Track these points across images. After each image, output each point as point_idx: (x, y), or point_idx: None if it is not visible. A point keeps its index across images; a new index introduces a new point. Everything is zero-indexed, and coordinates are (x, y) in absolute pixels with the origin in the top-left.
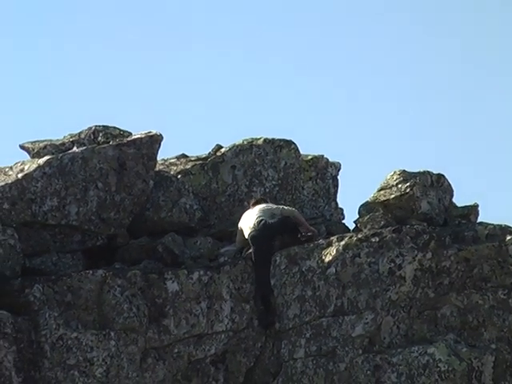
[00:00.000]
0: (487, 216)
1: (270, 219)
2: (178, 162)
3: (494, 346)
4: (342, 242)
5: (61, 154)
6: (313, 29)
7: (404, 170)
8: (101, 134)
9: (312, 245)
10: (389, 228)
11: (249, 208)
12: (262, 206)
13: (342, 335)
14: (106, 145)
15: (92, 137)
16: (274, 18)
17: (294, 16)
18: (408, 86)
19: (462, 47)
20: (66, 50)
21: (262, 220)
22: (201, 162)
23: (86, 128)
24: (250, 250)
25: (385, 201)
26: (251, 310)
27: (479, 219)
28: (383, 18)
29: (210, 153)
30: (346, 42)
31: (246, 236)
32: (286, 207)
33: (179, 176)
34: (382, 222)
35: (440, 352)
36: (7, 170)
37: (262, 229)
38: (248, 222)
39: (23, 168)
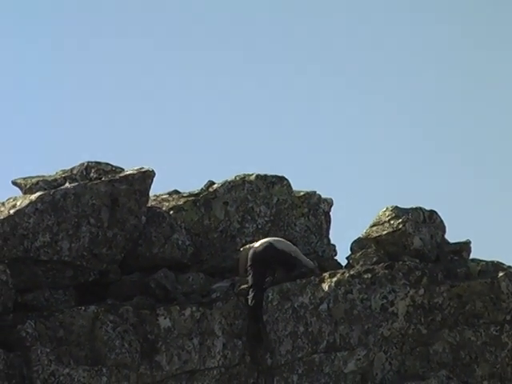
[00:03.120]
0: (479, 253)
1: (276, 244)
2: (171, 198)
3: (486, 383)
4: (335, 279)
5: (53, 190)
6: (303, 66)
7: (396, 207)
8: (93, 170)
9: (304, 281)
10: (381, 264)
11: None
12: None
13: (335, 371)
14: (98, 181)
15: (84, 173)
16: (262, 54)
17: (283, 52)
18: (400, 123)
19: (446, 79)
20: (58, 86)
21: (267, 242)
22: (193, 197)
23: (78, 164)
24: (243, 286)
25: (377, 237)
26: (243, 346)
27: (471, 256)
28: (372, 54)
29: (202, 189)
30: (337, 79)
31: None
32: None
33: (171, 212)
34: (375, 259)
35: None
36: None
37: (267, 246)
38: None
39: (15, 204)
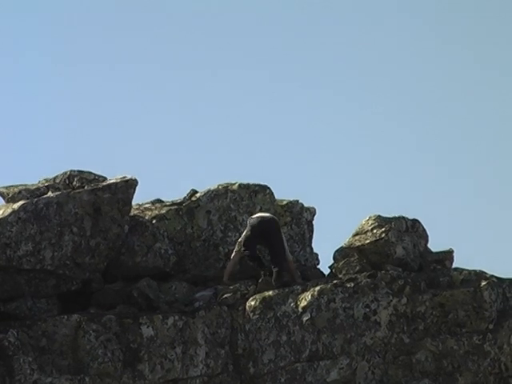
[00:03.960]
0: (462, 262)
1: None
2: (153, 207)
3: None
4: (317, 288)
5: (36, 199)
6: (288, 75)
7: (379, 216)
8: (76, 179)
9: (287, 290)
10: (364, 273)
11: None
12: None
13: (317, 380)
14: (81, 189)
15: (67, 181)
16: (249, 63)
17: (268, 63)
18: (383, 131)
19: (435, 92)
20: (42, 94)
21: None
22: (176, 206)
23: (60, 173)
24: (226, 295)
25: (360, 246)
26: (226, 354)
27: (454, 265)
28: (353, 64)
29: (185, 198)
30: (321, 88)
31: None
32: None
33: (154, 221)
34: (357, 268)
35: None
36: None
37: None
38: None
39: None
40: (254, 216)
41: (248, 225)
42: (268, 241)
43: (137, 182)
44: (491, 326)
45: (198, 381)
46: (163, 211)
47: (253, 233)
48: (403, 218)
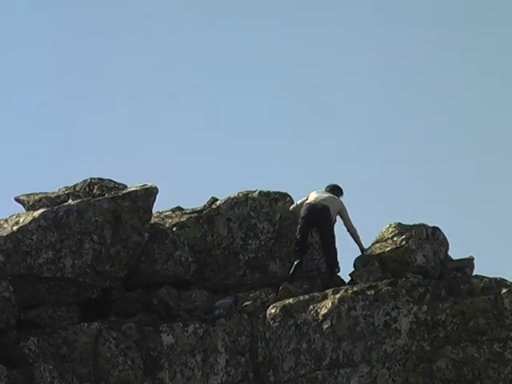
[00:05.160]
0: (483, 269)
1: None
2: (174, 215)
3: None
4: (338, 295)
5: (56, 207)
6: (305, 80)
7: (399, 223)
8: (96, 187)
9: (308, 297)
10: (384, 281)
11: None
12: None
13: None
14: (101, 197)
15: (87, 189)
16: (264, 70)
17: (286, 69)
18: (403, 138)
19: (449, 94)
20: (61, 102)
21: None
22: (196, 214)
23: (81, 181)
24: (246, 303)
25: (380, 254)
26: (246, 362)
27: (475, 272)
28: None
29: (205, 205)
30: (339, 95)
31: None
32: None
33: (174, 229)
34: (378, 275)
35: None
36: (2, 222)
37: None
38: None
39: (18, 221)
40: (308, 201)
41: (303, 210)
42: (319, 229)
43: (157, 190)
44: None
45: None
46: (183, 219)
47: (305, 222)
48: (423, 225)
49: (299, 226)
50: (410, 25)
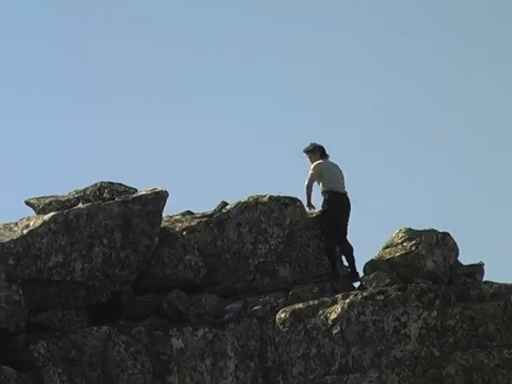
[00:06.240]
0: (492, 275)
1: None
2: (184, 219)
3: None
4: (347, 300)
5: (66, 210)
6: (313, 83)
7: (409, 228)
8: (106, 191)
9: (317, 302)
10: (394, 286)
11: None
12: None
13: None
14: (111, 201)
15: (97, 193)
16: (273, 72)
17: (292, 70)
18: (413, 145)
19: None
20: (71, 106)
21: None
22: (206, 218)
23: (91, 184)
24: (256, 307)
25: (390, 259)
26: (255, 367)
27: (484, 278)
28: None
29: (215, 210)
30: (349, 102)
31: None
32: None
33: (184, 233)
34: (387, 280)
35: None
36: (12, 225)
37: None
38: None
39: (28, 224)
40: (337, 188)
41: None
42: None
43: (167, 194)
44: None
45: None
46: (193, 223)
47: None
48: (433, 230)
49: (331, 217)
50: (409, 25)
